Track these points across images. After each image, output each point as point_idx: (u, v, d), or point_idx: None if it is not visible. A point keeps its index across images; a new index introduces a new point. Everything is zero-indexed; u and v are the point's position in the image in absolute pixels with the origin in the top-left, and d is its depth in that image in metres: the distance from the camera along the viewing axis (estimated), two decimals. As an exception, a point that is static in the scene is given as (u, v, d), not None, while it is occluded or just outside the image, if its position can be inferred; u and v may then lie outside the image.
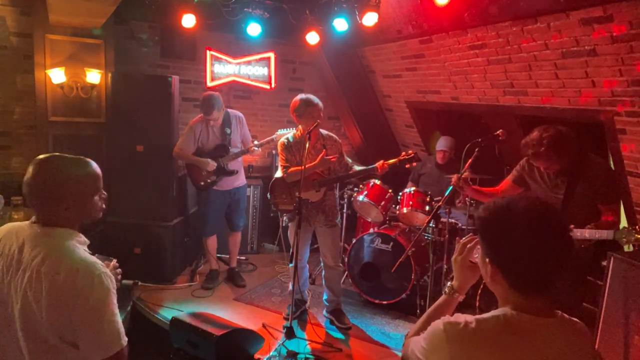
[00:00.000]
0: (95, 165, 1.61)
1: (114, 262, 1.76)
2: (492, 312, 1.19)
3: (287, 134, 3.67)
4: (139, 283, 4.00)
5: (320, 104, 3.51)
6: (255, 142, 4.34)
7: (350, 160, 3.74)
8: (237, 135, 4.31)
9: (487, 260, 1.20)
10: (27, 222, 1.58)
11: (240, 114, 4.40)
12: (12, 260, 1.50)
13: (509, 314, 1.15)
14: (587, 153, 2.76)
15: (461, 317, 1.17)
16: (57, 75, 4.43)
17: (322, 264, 3.79)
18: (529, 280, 1.15)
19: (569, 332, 1.18)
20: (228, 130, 4.24)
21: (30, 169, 1.51)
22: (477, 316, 1.17)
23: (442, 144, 4.60)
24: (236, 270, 4.58)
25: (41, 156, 1.54)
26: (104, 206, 1.65)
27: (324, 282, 3.81)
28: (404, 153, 3.47)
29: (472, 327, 1.14)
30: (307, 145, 3.27)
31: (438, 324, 1.19)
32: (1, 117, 4.57)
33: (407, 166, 3.46)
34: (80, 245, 1.54)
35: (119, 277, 1.73)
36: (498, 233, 1.17)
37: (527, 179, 3.00)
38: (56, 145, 4.54)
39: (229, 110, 4.31)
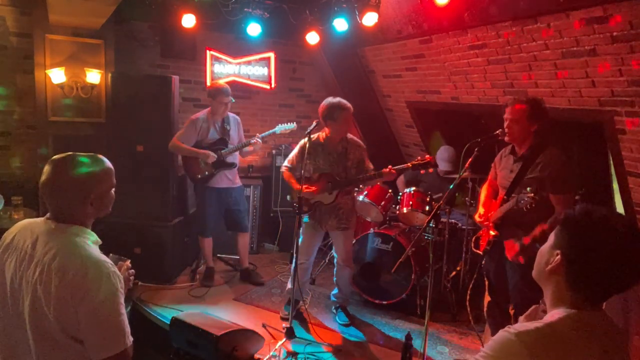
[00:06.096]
0: (107, 160, 1.66)
1: (128, 262, 1.78)
2: (554, 314, 1.16)
3: (289, 128, 3.71)
4: (139, 283, 4.01)
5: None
6: (258, 135, 4.32)
7: (372, 167, 3.70)
8: (235, 134, 4.35)
9: (556, 252, 1.18)
10: (42, 218, 1.60)
11: (238, 117, 4.46)
12: (25, 255, 1.52)
13: (572, 313, 1.14)
14: (549, 144, 2.78)
15: (526, 324, 1.13)
16: (57, 75, 4.42)
17: (325, 262, 3.84)
18: (599, 290, 1.15)
19: (611, 320, 1.19)
20: (228, 127, 4.28)
21: (48, 169, 1.53)
22: (542, 321, 1.14)
23: (443, 162, 4.49)
24: (251, 269, 4.62)
25: (58, 156, 1.57)
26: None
27: (335, 279, 3.89)
28: (419, 157, 3.42)
29: (548, 331, 1.10)
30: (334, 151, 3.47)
31: (505, 335, 1.11)
32: (1, 117, 4.56)
33: (422, 172, 3.48)
34: (92, 244, 1.56)
35: (132, 277, 1.76)
36: (592, 239, 1.13)
37: (497, 170, 3.12)
38: (56, 145, 4.52)
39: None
